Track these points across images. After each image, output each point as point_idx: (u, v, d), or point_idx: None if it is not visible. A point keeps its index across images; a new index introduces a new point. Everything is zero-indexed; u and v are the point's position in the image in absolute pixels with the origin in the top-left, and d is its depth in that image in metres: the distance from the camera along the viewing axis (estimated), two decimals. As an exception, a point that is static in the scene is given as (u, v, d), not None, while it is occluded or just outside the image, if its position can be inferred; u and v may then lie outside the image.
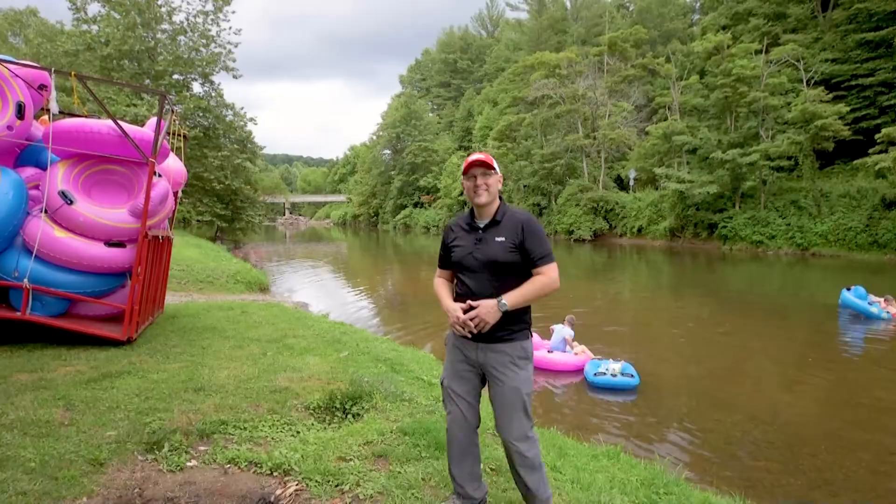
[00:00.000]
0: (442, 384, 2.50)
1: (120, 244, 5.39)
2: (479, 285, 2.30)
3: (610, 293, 17.32)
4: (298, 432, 3.37)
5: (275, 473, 2.80)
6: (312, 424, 3.54)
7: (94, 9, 27.39)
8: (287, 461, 2.87)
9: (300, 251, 36.96)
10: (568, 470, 3.27)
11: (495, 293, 2.25)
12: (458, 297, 2.38)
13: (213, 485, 2.68)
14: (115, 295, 5.75)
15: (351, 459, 2.97)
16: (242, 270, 15.13)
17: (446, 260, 2.47)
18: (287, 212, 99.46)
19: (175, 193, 6.62)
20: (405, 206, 66.83)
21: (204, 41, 28.19)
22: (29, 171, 5.54)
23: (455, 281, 2.45)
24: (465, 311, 2.26)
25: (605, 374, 7.52)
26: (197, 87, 28.87)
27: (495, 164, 2.38)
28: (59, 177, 5.26)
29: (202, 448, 3.09)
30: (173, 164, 6.68)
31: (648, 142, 36.03)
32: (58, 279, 5.15)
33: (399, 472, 2.83)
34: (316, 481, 2.69)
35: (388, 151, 71.95)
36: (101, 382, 4.08)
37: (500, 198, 2.43)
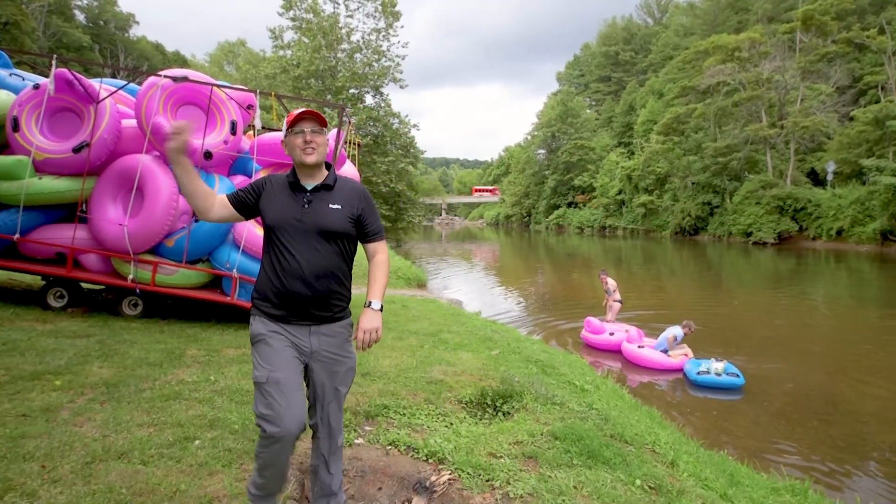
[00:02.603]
0: (260, 382, 1.96)
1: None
2: (310, 255, 2.01)
3: (799, 309, 14.80)
4: (451, 424, 3.51)
5: (430, 460, 2.95)
6: (464, 418, 3.66)
7: (288, 36, 31.70)
8: (441, 450, 3.01)
9: (455, 250, 38.43)
10: None
11: (325, 263, 2.03)
12: (277, 266, 2.03)
13: (376, 463, 2.92)
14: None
15: (501, 457, 3.01)
16: (403, 267, 16.21)
17: (242, 203, 2.10)
18: (443, 212, 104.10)
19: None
20: (558, 206, 65.63)
21: (376, 56, 30.82)
22: (238, 179, 6.59)
23: (267, 245, 2.10)
24: (297, 303, 2.01)
25: (707, 372, 7.49)
26: (369, 99, 31.67)
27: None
28: (260, 183, 6.18)
29: (367, 428, 3.39)
30: (349, 170, 7.43)
31: (854, 129, 30.60)
32: (258, 270, 6.05)
33: (549, 476, 2.80)
34: (468, 473, 2.78)
35: (542, 151, 71.32)
36: (288, 361, 4.69)
37: (328, 163, 2.17)
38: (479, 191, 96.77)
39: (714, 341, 9.81)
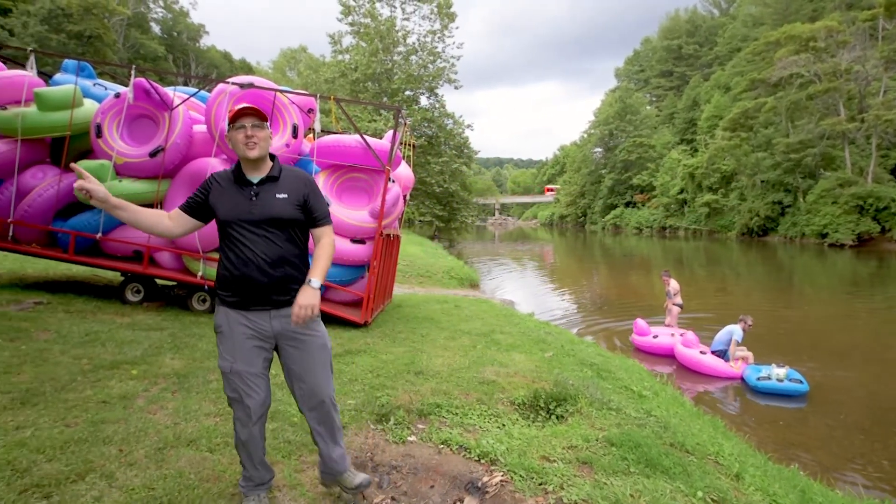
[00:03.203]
0: (225, 372, 2.15)
1: (361, 241, 6.30)
2: (263, 244, 2.10)
3: (878, 316, 13.67)
4: (504, 425, 3.49)
5: (482, 461, 2.95)
6: (517, 419, 3.63)
7: (347, 41, 32.55)
8: (493, 451, 3.00)
9: (508, 250, 38.20)
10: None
11: (278, 251, 2.12)
12: (231, 258, 2.11)
13: (428, 461, 2.95)
14: (355, 284, 6.72)
15: (555, 461, 2.97)
16: (456, 267, 16.28)
17: (195, 208, 2.17)
18: (497, 212, 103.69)
19: (404, 197, 7.46)
20: (615, 206, 63.87)
21: (431, 58, 31.14)
22: (298, 180, 6.82)
23: (223, 238, 2.16)
24: (256, 290, 2.10)
25: (768, 378, 7.14)
26: (424, 101, 32.04)
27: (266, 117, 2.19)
28: (319, 185, 6.38)
29: (420, 426, 3.42)
30: (404, 171, 7.54)
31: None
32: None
33: (605, 483, 2.73)
34: (520, 476, 2.76)
35: (599, 149, 69.66)
36: (345, 357, 4.82)
37: (272, 154, 2.23)
38: (551, 190, 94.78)
39: (782, 348, 9.25)
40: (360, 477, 2.40)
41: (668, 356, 8.89)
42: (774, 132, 39.22)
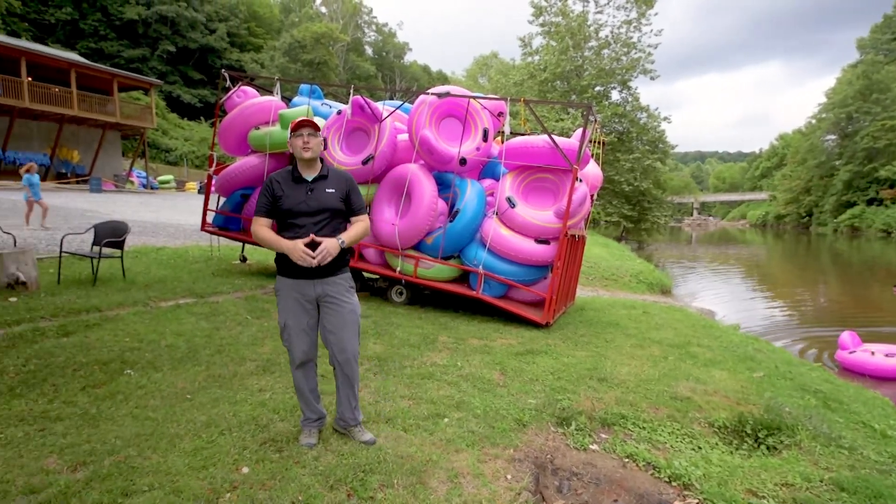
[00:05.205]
0: (283, 325, 2.76)
1: (545, 241, 6.29)
2: (315, 228, 2.63)
3: None
4: (700, 448, 3.18)
5: (673, 483, 2.73)
6: (716, 444, 3.27)
7: (537, 42, 32.70)
8: (687, 474, 2.75)
9: (707, 254, 34.32)
10: None
11: (329, 234, 2.64)
12: (291, 240, 2.61)
13: (612, 473, 2.83)
14: (538, 284, 6.74)
15: (763, 497, 2.60)
16: (645, 271, 15.21)
17: (272, 209, 2.67)
18: (695, 212, 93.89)
19: (591, 196, 7.23)
20: (853, 204, 52.74)
21: (625, 50, 29.56)
22: (487, 182, 7.08)
23: (283, 226, 2.68)
24: (308, 245, 2.56)
25: None
26: (615, 95, 30.59)
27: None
28: (506, 185, 6.55)
29: (603, 435, 3.30)
30: (592, 170, 7.32)
31: None
32: (500, 268, 6.43)
33: (830, 535, 2.31)
34: (718, 507, 2.48)
35: (831, 137, 58.34)
36: (525, 357, 4.88)
37: (321, 158, 2.81)
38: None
39: None
40: (367, 435, 2.91)
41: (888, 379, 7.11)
42: None
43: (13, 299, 5.20)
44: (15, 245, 6.90)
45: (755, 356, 5.74)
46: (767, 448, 3.24)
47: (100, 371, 3.67)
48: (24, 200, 10.96)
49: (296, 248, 2.55)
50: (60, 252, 6.42)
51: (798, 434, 3.34)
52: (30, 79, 21.53)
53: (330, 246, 2.59)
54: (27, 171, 10.97)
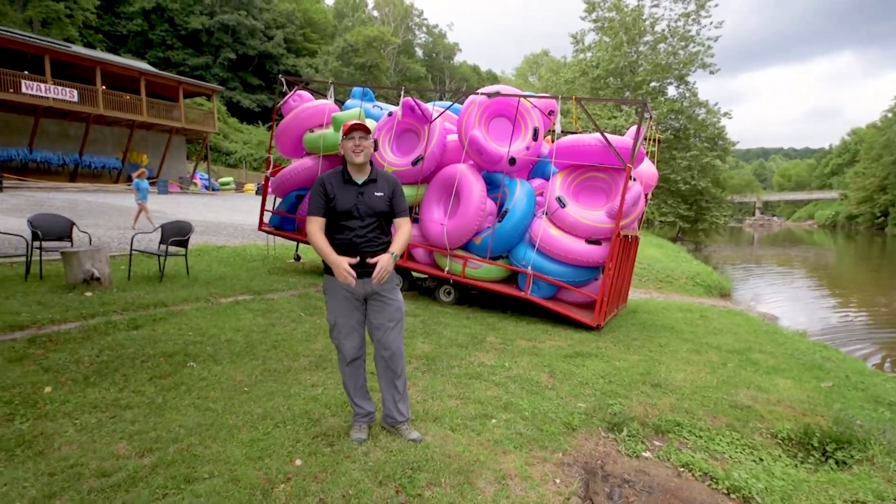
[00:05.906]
0: (330, 323, 2.84)
1: (597, 242, 6.16)
2: (364, 230, 2.70)
3: None
4: (762, 459, 3.02)
5: (732, 495, 2.61)
6: (779, 456, 3.10)
7: (589, 38, 32.02)
8: (748, 487, 2.62)
9: (770, 256, 32.57)
10: None
11: (376, 235, 2.74)
12: (340, 241, 2.71)
13: (666, 482, 2.74)
14: (589, 286, 6.60)
15: (831, 515, 2.45)
16: (702, 273, 14.61)
17: (325, 209, 2.72)
18: (757, 211, 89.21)
19: (645, 195, 7.02)
20: (938, 204, 48.71)
21: (682, 43, 28.48)
22: (537, 182, 7.00)
23: (333, 226, 2.73)
24: (358, 264, 2.68)
25: None
26: (672, 91, 29.54)
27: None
28: (556, 185, 6.45)
29: (656, 443, 3.19)
30: (646, 168, 7.10)
31: None
32: (549, 268, 6.34)
33: (908, 560, 2.15)
34: (781, 523, 2.36)
35: (912, 131, 54.10)
36: (575, 359, 4.79)
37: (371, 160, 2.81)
38: None
39: None
40: (414, 433, 2.94)
41: None
42: None
43: (88, 294, 5.58)
44: (90, 243, 7.39)
45: (823, 365, 5.41)
46: (836, 462, 3.05)
47: (165, 363, 3.88)
48: (135, 203, 12.18)
49: (339, 266, 2.63)
50: (131, 250, 6.85)
51: (870, 448, 3.12)
52: (104, 87, 23.03)
53: (386, 264, 2.68)
54: (138, 176, 12.23)
